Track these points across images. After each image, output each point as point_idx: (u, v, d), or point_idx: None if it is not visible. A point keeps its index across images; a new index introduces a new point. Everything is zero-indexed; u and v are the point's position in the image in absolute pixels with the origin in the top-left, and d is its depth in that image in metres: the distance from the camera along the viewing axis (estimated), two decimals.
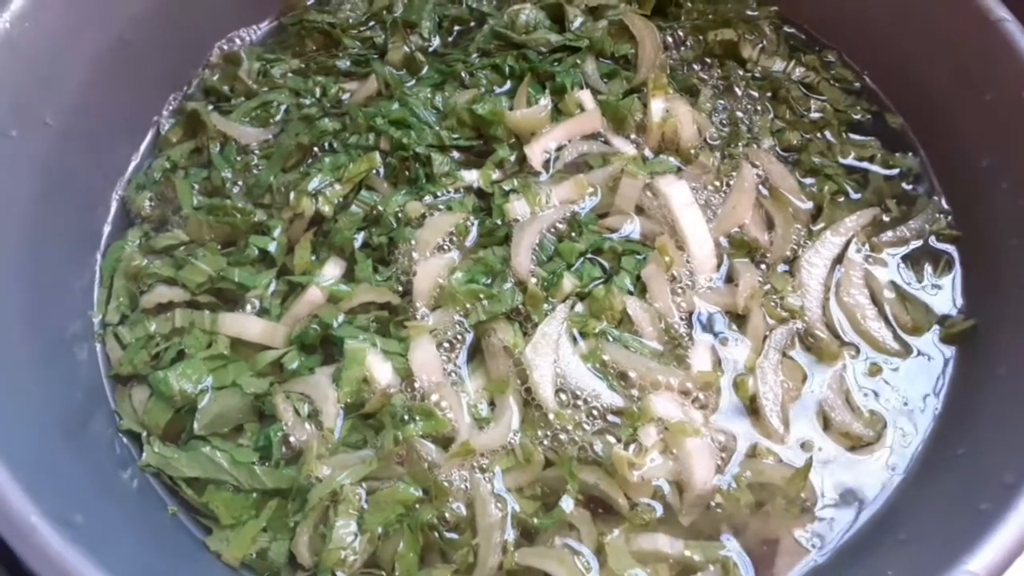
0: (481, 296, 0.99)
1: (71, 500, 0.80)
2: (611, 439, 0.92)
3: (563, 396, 0.94)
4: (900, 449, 0.95)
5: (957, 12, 1.07)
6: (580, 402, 0.94)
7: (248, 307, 1.03)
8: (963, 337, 1.01)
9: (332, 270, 1.04)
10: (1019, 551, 0.74)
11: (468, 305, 0.99)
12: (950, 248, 1.08)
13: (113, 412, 0.99)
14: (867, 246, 1.06)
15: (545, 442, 0.92)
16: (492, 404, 0.95)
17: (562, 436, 0.92)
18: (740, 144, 1.14)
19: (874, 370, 0.99)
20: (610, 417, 0.93)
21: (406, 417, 0.92)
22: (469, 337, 0.99)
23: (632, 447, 0.91)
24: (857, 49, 1.24)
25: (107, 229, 1.12)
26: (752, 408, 0.96)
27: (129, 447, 0.97)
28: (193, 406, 0.96)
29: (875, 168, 1.14)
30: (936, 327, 1.03)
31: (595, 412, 0.93)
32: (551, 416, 0.93)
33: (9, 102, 0.97)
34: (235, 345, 1.01)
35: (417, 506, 0.89)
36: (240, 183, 1.13)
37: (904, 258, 1.07)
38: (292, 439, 0.94)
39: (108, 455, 0.95)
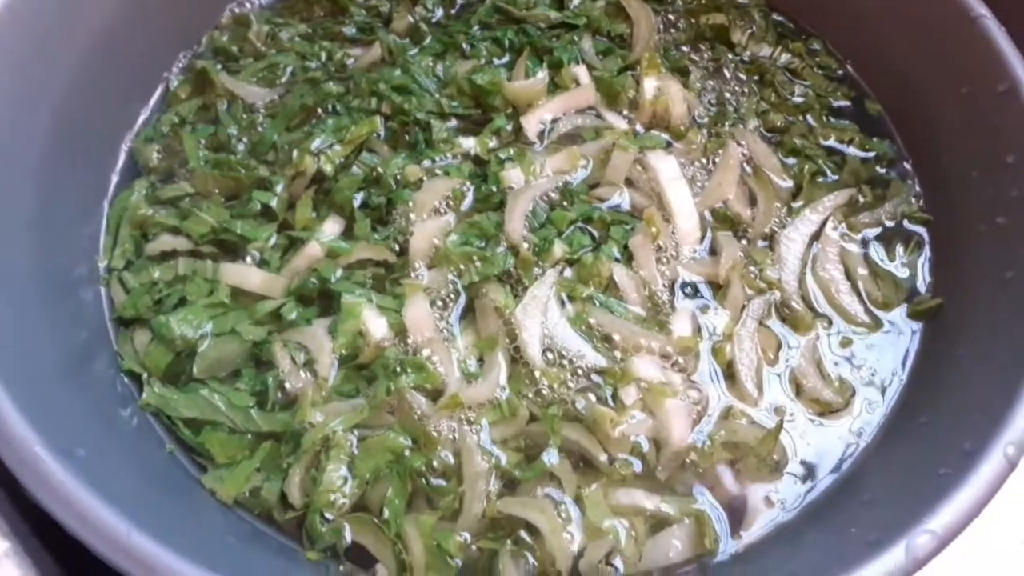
0: (475, 258, 0.97)
1: (73, 433, 0.78)
2: (593, 397, 0.91)
3: (550, 355, 0.93)
4: (866, 416, 0.95)
5: (938, 7, 1.05)
6: (566, 362, 0.92)
7: (249, 258, 1.01)
8: (929, 314, 1.00)
9: (332, 227, 1.02)
10: (977, 512, 0.73)
11: (462, 266, 0.98)
12: (921, 230, 1.07)
13: (115, 353, 0.97)
14: (843, 224, 1.05)
15: (530, 396, 0.91)
16: (481, 361, 0.94)
17: (546, 392, 0.91)
18: (727, 124, 1.13)
19: (845, 341, 0.98)
20: (594, 377, 0.92)
21: (398, 369, 0.91)
22: (462, 297, 0.97)
23: (613, 405, 0.90)
24: (841, 38, 1.22)
25: (115, 179, 1.09)
26: (728, 373, 0.94)
27: (130, 387, 0.94)
28: (193, 350, 0.94)
29: (853, 151, 1.13)
30: (905, 303, 1.02)
31: (579, 371, 0.92)
32: (537, 373, 0.91)
33: (24, 51, 0.94)
34: (235, 294, 0.98)
35: (407, 453, 0.87)
36: (245, 140, 1.10)
37: (878, 237, 1.06)
38: (288, 385, 0.92)
39: (110, 393, 0.92)
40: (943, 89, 1.07)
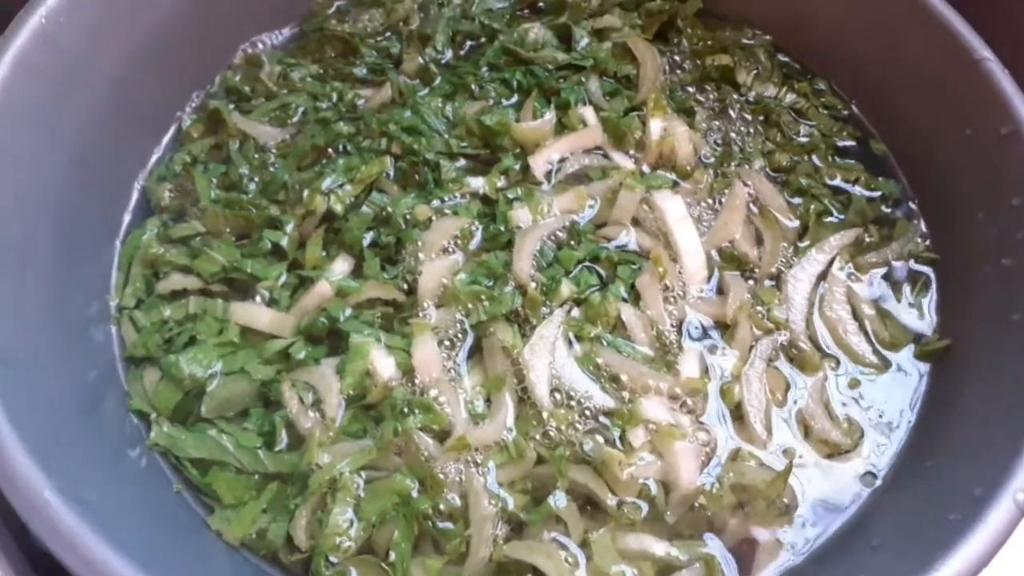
0: (483, 297, 0.97)
1: (83, 476, 0.78)
2: (601, 439, 0.90)
3: (557, 396, 0.92)
4: (875, 458, 0.94)
5: (942, 50, 1.05)
6: (573, 402, 0.92)
7: (258, 297, 1.01)
8: (937, 355, 0.99)
9: (341, 266, 1.02)
10: (987, 560, 0.72)
11: (470, 305, 0.97)
12: (928, 270, 1.06)
13: (125, 393, 0.96)
14: (850, 264, 1.05)
15: (537, 437, 0.90)
16: (488, 401, 0.93)
17: (554, 434, 0.90)
18: (733, 164, 1.13)
19: (853, 382, 0.97)
20: (601, 418, 0.91)
21: (406, 410, 0.90)
22: (469, 336, 0.97)
23: (622, 447, 0.89)
24: (846, 79, 1.23)
25: (127, 218, 1.10)
26: (737, 414, 0.94)
27: (139, 427, 0.94)
28: (202, 390, 0.93)
29: (858, 190, 1.13)
30: (912, 344, 1.01)
31: (587, 412, 0.91)
32: (545, 414, 0.91)
33: (43, 94, 0.95)
34: (245, 333, 0.98)
35: (413, 496, 0.87)
36: (256, 179, 1.11)
37: (884, 277, 1.05)
38: (295, 425, 0.92)
39: (118, 434, 0.92)
40: (947, 130, 1.07)
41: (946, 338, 1.00)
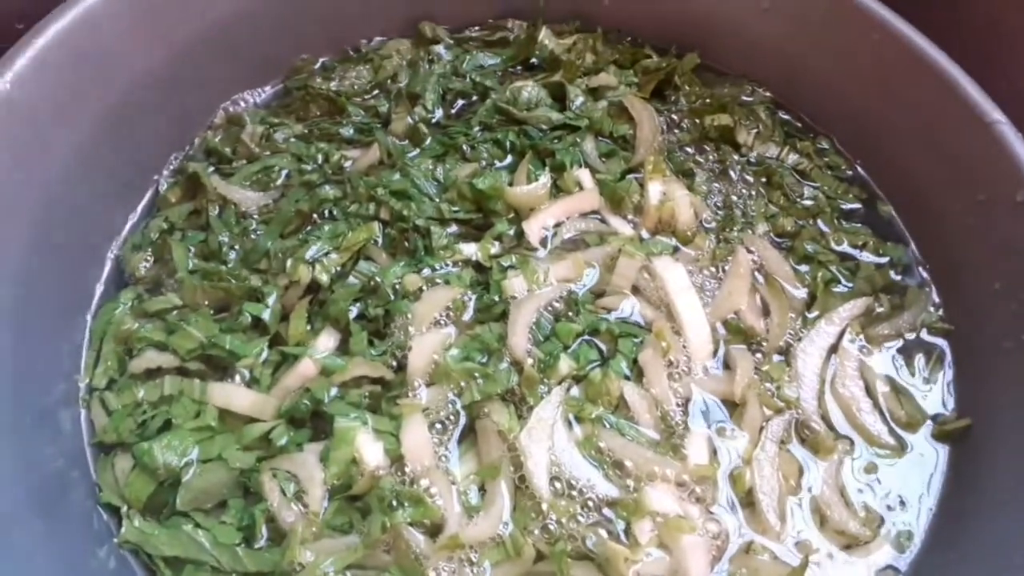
0: (476, 375, 0.92)
1: None
2: (604, 533, 0.84)
3: (557, 485, 0.87)
4: (896, 551, 0.88)
5: (953, 112, 1.01)
6: (575, 492, 0.86)
7: (238, 377, 0.95)
8: (956, 436, 0.94)
9: (326, 341, 0.97)
10: None
11: (462, 383, 0.92)
12: (942, 342, 1.01)
13: (94, 484, 0.90)
14: (861, 336, 1.00)
15: (536, 532, 0.84)
16: (483, 490, 0.87)
17: (554, 527, 0.84)
18: (735, 228, 1.09)
19: (870, 467, 0.92)
20: (605, 510, 0.86)
21: (394, 502, 0.84)
22: (462, 418, 0.91)
23: (627, 541, 0.84)
24: (850, 137, 1.19)
25: (99, 289, 1.04)
26: (748, 501, 0.88)
27: (108, 522, 0.88)
28: (177, 480, 0.87)
29: (867, 256, 1.08)
30: (930, 423, 0.96)
31: (590, 503, 0.86)
32: (544, 506, 0.85)
33: (7, 160, 0.90)
34: (223, 416, 0.92)
35: None
36: (237, 247, 1.05)
37: (898, 350, 1.00)
38: (277, 519, 0.85)
39: (86, 531, 0.86)
40: (958, 195, 1.03)
41: (965, 417, 0.95)
